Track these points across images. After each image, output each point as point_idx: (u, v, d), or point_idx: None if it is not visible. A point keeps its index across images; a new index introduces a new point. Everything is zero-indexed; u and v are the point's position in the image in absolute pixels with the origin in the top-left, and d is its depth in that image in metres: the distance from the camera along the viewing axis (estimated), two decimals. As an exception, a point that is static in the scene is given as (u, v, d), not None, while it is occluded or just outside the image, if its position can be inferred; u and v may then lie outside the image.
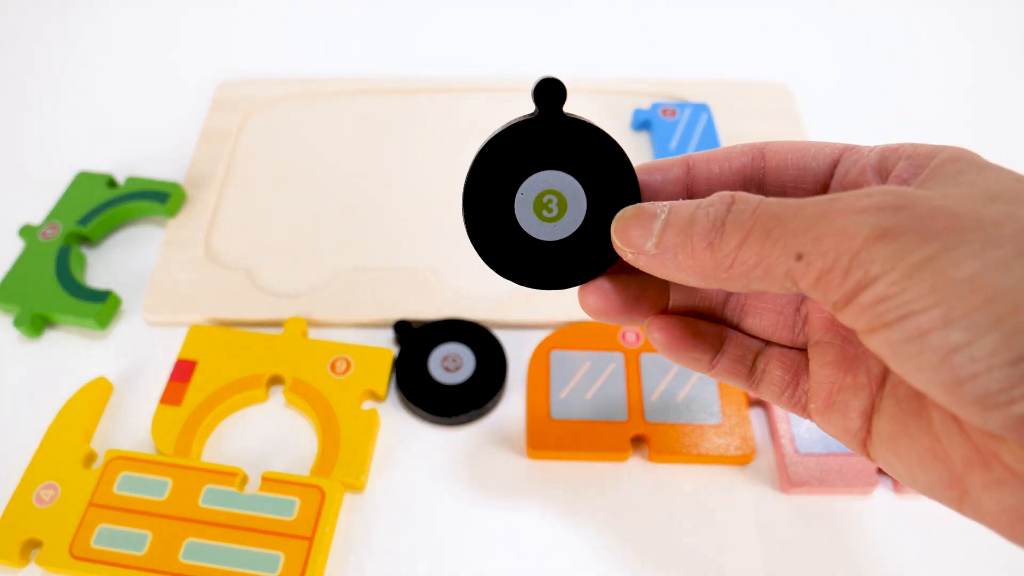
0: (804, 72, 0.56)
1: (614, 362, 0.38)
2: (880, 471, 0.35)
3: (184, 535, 0.32)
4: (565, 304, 0.41)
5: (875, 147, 0.20)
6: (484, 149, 0.23)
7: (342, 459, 0.35)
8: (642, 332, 0.39)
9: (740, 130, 0.50)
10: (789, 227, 0.17)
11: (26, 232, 0.44)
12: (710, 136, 0.49)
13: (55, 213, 0.44)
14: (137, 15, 0.60)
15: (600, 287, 0.22)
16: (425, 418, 0.37)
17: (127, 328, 0.41)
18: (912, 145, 0.19)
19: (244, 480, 0.34)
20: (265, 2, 0.61)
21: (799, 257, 0.16)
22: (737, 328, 0.24)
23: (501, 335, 0.40)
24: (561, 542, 0.34)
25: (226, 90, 0.53)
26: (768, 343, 0.23)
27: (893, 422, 0.19)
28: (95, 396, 0.37)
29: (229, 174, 0.48)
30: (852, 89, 0.56)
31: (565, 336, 0.39)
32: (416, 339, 0.39)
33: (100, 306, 0.40)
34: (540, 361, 0.38)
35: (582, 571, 0.33)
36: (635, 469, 0.36)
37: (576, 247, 0.22)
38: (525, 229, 0.22)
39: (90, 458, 0.35)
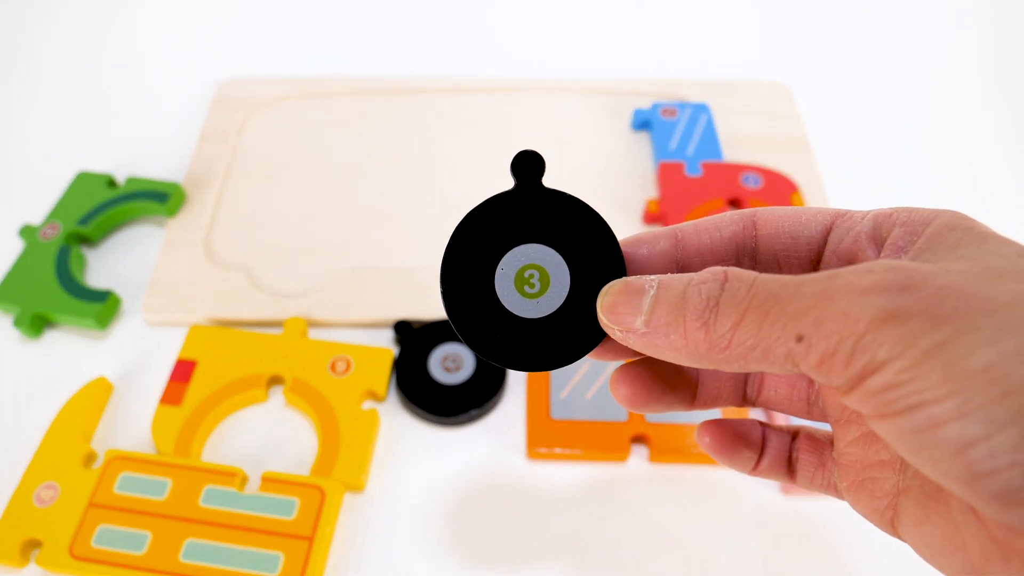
0: (804, 72, 0.56)
1: (614, 362, 0.38)
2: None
3: (184, 535, 0.32)
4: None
5: (868, 213, 0.19)
6: (462, 224, 0.22)
7: (342, 459, 0.35)
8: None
9: (740, 130, 0.50)
10: (788, 308, 0.16)
11: (26, 232, 0.44)
12: (710, 136, 0.49)
13: (55, 213, 0.44)
14: (137, 15, 0.60)
15: (631, 373, 0.22)
16: (425, 418, 0.37)
17: (127, 328, 0.41)
18: (906, 210, 0.19)
19: (244, 480, 0.34)
20: (265, 2, 0.61)
21: (799, 339, 0.16)
22: (755, 404, 0.23)
23: (501, 335, 0.40)
24: (561, 542, 0.34)
25: (226, 90, 0.53)
26: (795, 436, 0.23)
27: (917, 506, 0.18)
28: (95, 396, 0.37)
29: (229, 174, 0.48)
30: (852, 89, 0.56)
31: (565, 336, 0.39)
32: (416, 339, 0.39)
33: (100, 306, 0.40)
34: (540, 361, 0.38)
35: (581, 572, 0.33)
36: (635, 469, 0.36)
37: (561, 324, 0.21)
38: (506, 306, 0.21)
39: (90, 458, 0.35)
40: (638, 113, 0.50)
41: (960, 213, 0.18)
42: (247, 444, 0.37)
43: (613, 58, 0.57)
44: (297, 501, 0.33)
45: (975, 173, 0.50)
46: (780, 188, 0.45)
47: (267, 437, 0.37)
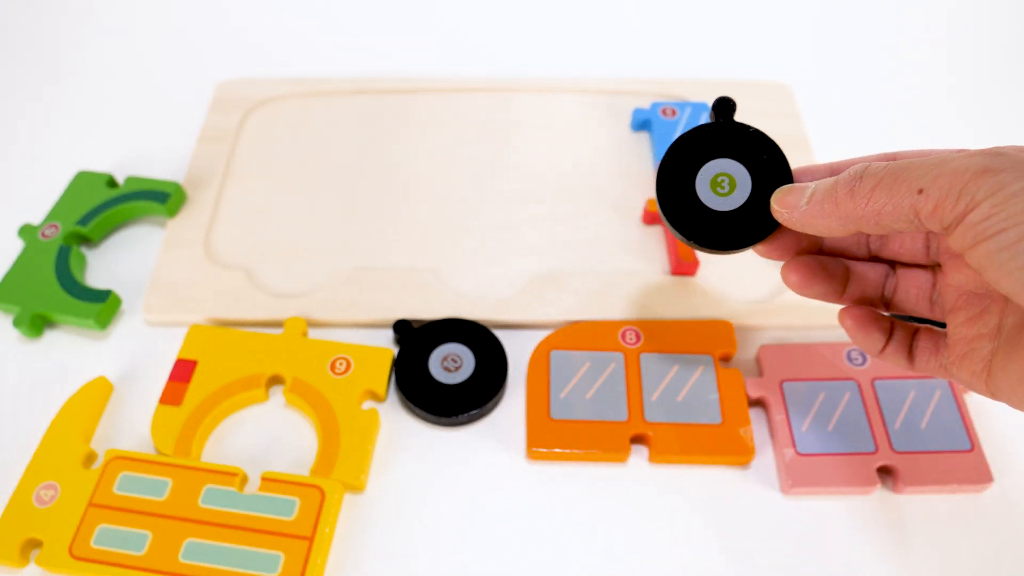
0: (805, 71, 0.56)
1: (614, 362, 0.38)
2: (880, 471, 0.35)
3: (184, 535, 0.32)
4: (565, 304, 0.41)
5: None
6: (675, 142, 0.29)
7: (342, 459, 0.35)
8: (642, 332, 0.39)
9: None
10: (913, 172, 0.22)
11: (26, 232, 0.44)
12: (710, 136, 0.48)
13: (54, 213, 0.44)
14: (137, 15, 0.60)
15: (798, 262, 0.29)
16: (425, 418, 0.37)
17: (127, 328, 0.41)
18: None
19: (244, 480, 0.34)
20: (265, 2, 0.61)
21: (920, 191, 0.22)
22: (889, 305, 0.30)
23: (501, 335, 0.40)
24: (560, 542, 0.34)
25: (226, 90, 0.53)
26: (915, 333, 0.29)
27: (1005, 357, 0.24)
28: (95, 396, 0.37)
29: (229, 174, 0.48)
30: (853, 88, 0.56)
31: (565, 336, 0.39)
32: (416, 339, 0.39)
33: (100, 306, 0.40)
34: (540, 361, 0.38)
35: (581, 572, 0.33)
36: (635, 470, 0.36)
37: (743, 216, 0.28)
38: (703, 201, 0.28)
39: (90, 458, 0.35)
40: (637, 112, 0.50)
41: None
42: (247, 444, 0.37)
43: (613, 58, 0.57)
44: (297, 501, 0.33)
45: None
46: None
47: (267, 437, 0.37)
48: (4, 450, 0.36)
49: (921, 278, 0.29)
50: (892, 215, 0.23)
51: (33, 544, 0.32)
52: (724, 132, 0.29)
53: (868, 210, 0.23)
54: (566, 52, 0.58)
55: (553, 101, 0.53)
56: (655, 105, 0.50)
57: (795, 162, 0.48)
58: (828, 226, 0.25)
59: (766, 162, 0.29)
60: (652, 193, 0.47)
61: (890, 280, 0.30)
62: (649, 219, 0.45)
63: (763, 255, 0.29)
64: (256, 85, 0.53)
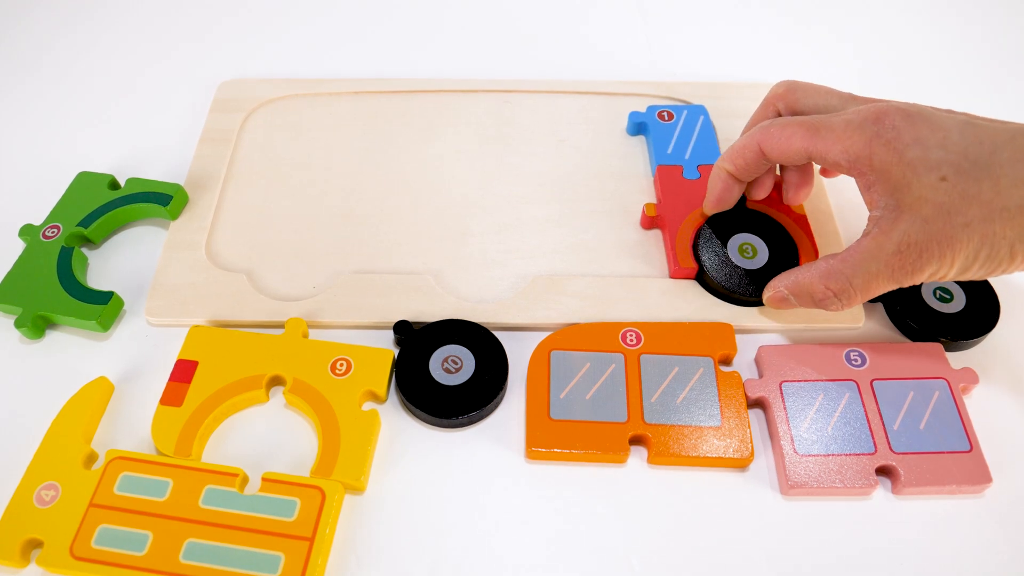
0: (802, 74, 0.56)
1: (614, 363, 0.38)
2: (879, 471, 0.35)
3: (185, 535, 0.32)
4: (565, 307, 0.41)
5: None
6: (705, 224, 0.42)
7: (342, 460, 0.35)
8: (643, 334, 0.39)
9: (739, 131, 0.50)
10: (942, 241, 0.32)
11: (27, 232, 0.44)
12: (708, 138, 0.49)
13: (56, 214, 0.44)
14: (137, 15, 0.60)
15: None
16: (425, 419, 0.37)
17: (129, 330, 0.41)
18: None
19: (245, 480, 0.34)
20: (265, 2, 0.61)
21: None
22: None
23: (501, 336, 0.40)
24: (559, 543, 0.34)
25: (227, 90, 0.53)
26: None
27: None
28: (96, 396, 0.37)
29: (230, 175, 0.48)
30: (852, 89, 0.56)
31: (565, 337, 0.39)
32: (416, 340, 0.39)
33: (102, 308, 0.40)
34: (540, 361, 0.38)
35: (580, 572, 0.33)
36: (634, 471, 0.36)
37: (763, 275, 0.41)
38: (734, 262, 0.41)
39: (91, 458, 0.35)
40: (634, 115, 0.50)
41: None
42: (248, 445, 0.37)
43: (608, 60, 0.57)
44: (298, 502, 0.33)
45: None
46: (779, 190, 0.45)
47: (267, 438, 0.37)
48: (4, 451, 0.36)
49: None
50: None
51: (34, 544, 0.32)
52: (747, 212, 0.43)
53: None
54: (562, 54, 0.58)
55: (554, 103, 0.53)
56: (651, 108, 0.50)
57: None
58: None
59: (776, 234, 0.42)
60: (651, 196, 0.47)
61: None
62: (648, 223, 0.45)
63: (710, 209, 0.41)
64: (257, 86, 0.53)
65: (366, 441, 0.35)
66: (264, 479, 0.34)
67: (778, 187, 0.44)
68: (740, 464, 0.36)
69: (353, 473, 0.34)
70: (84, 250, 0.44)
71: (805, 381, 0.38)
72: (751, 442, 0.36)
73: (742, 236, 0.42)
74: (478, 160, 0.49)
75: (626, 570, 0.33)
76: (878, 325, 0.42)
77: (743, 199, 0.43)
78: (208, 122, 0.51)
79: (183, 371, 0.37)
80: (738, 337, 0.40)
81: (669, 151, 0.48)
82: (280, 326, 0.40)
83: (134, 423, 0.37)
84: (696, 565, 0.33)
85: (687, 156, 0.47)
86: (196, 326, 0.39)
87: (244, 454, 0.36)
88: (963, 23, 0.60)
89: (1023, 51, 0.59)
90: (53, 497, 0.33)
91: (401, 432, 0.37)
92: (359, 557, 0.33)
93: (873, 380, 0.38)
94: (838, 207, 0.47)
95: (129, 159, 0.50)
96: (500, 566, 0.33)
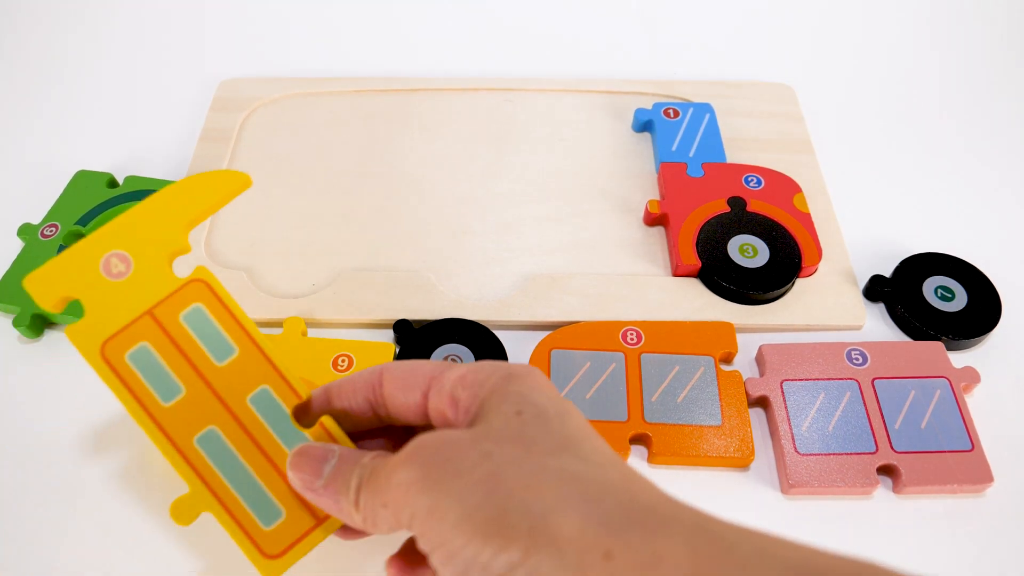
0: (808, 72, 0.56)
1: (615, 362, 0.38)
2: (880, 470, 0.35)
3: (212, 419, 0.27)
4: (566, 305, 0.41)
5: (452, 376, 0.25)
6: (708, 222, 0.43)
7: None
8: (643, 333, 0.39)
9: (743, 131, 0.50)
10: (376, 484, 0.23)
11: (25, 231, 0.43)
12: (713, 136, 0.48)
13: (54, 213, 0.44)
14: (137, 14, 0.60)
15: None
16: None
17: (127, 328, 0.41)
18: (475, 372, 0.24)
19: (305, 409, 0.28)
20: (265, 2, 0.61)
21: (384, 505, 0.23)
22: None
23: (501, 335, 0.40)
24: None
25: (226, 89, 0.53)
26: None
27: None
28: (225, 184, 0.29)
29: (229, 173, 0.48)
30: (855, 89, 0.56)
31: (566, 336, 0.39)
32: (417, 339, 0.39)
33: (100, 306, 0.40)
34: (540, 360, 0.38)
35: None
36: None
37: (764, 273, 0.41)
38: (735, 262, 0.41)
39: (178, 253, 0.28)
40: (640, 113, 0.50)
41: (509, 371, 0.24)
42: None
43: (615, 58, 0.57)
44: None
45: (978, 175, 0.50)
46: (782, 189, 0.45)
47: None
48: (4, 452, 0.36)
49: None
50: (383, 525, 0.23)
51: (74, 308, 0.28)
52: (749, 215, 0.43)
53: (365, 521, 0.24)
54: (567, 52, 0.58)
55: (555, 101, 0.53)
56: (657, 106, 0.50)
57: (797, 164, 0.48)
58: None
59: (777, 234, 0.43)
60: (652, 195, 0.47)
61: None
62: (650, 220, 0.45)
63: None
64: (257, 85, 0.53)
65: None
66: (322, 423, 0.28)
67: (777, 190, 0.44)
68: (741, 463, 0.36)
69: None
70: (83, 248, 0.44)
71: (806, 380, 0.38)
72: (752, 441, 0.36)
73: (745, 237, 0.42)
74: (479, 158, 0.49)
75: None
76: (879, 324, 0.42)
77: (744, 202, 0.43)
78: (208, 121, 0.51)
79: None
80: (739, 336, 0.40)
81: (673, 148, 0.48)
82: (279, 323, 0.40)
83: (132, 422, 0.37)
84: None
85: (691, 154, 0.47)
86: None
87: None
88: (963, 23, 0.60)
89: (1023, 51, 0.59)
90: (121, 273, 0.27)
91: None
92: (364, 549, 0.33)
93: (874, 379, 0.38)
94: (839, 207, 0.47)
95: (129, 158, 0.50)
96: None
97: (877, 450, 0.35)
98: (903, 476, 0.35)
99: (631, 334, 0.39)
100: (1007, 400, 0.38)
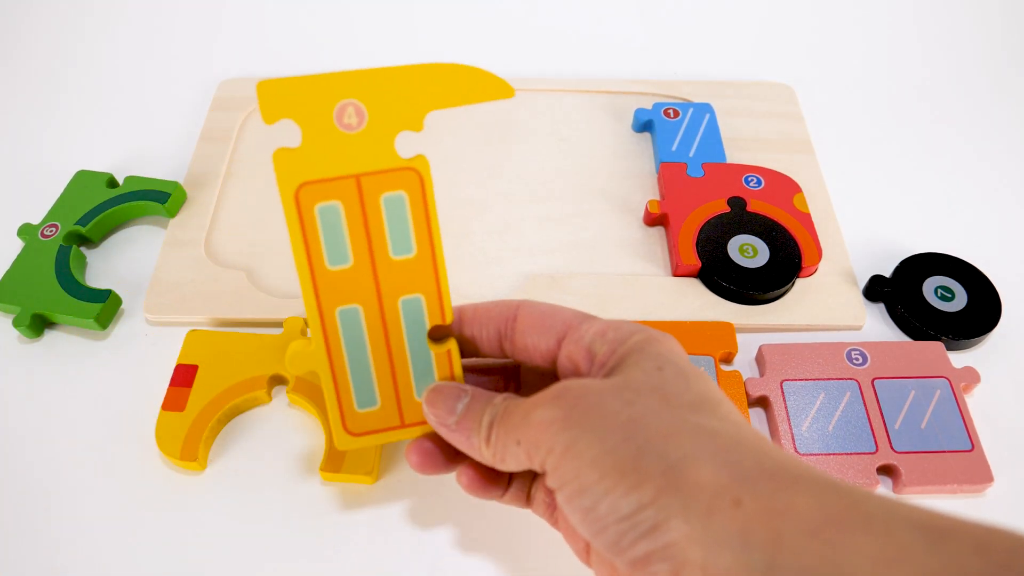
0: (808, 72, 0.56)
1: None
2: (880, 470, 0.35)
3: (360, 300, 0.27)
4: (566, 303, 0.41)
5: (592, 328, 0.26)
6: (708, 223, 0.43)
7: (351, 455, 0.35)
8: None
9: (743, 131, 0.50)
10: (512, 421, 0.24)
11: (25, 231, 0.43)
12: (713, 136, 0.49)
13: (54, 213, 0.44)
14: (137, 14, 0.60)
15: (422, 447, 0.28)
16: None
17: (128, 329, 0.41)
18: (615, 328, 0.25)
19: (443, 329, 0.28)
20: (265, 2, 0.61)
21: (518, 443, 0.24)
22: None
23: (502, 335, 0.40)
24: (560, 542, 0.34)
25: (227, 89, 0.53)
26: (535, 477, 0.29)
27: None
28: (485, 85, 0.28)
29: (230, 174, 0.48)
30: (855, 89, 0.56)
31: (566, 336, 0.39)
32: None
33: (100, 306, 0.40)
34: (541, 361, 0.38)
35: (580, 572, 0.33)
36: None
37: (763, 272, 0.41)
38: (735, 262, 0.41)
39: (409, 129, 0.27)
40: (640, 113, 0.50)
41: (649, 334, 0.25)
42: (252, 446, 0.37)
43: (615, 58, 0.57)
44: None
45: (978, 175, 0.50)
46: (782, 189, 0.45)
47: (272, 438, 0.37)
48: (4, 452, 0.36)
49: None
50: (511, 462, 0.24)
51: (294, 153, 0.27)
52: (749, 216, 0.43)
53: (494, 457, 0.25)
54: (568, 52, 0.58)
55: (555, 101, 0.53)
56: (657, 105, 0.50)
57: (797, 164, 0.48)
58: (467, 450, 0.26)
59: (776, 236, 0.42)
60: (652, 195, 0.47)
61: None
62: (650, 220, 0.45)
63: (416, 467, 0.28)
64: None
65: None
66: (449, 351, 0.28)
67: (775, 192, 0.44)
68: (742, 463, 0.36)
69: (362, 467, 0.34)
70: (83, 249, 0.44)
71: (806, 380, 0.38)
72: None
73: (745, 237, 0.42)
74: (478, 158, 0.49)
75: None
76: (879, 324, 0.42)
77: (744, 202, 0.44)
78: (208, 121, 0.51)
79: (183, 375, 0.37)
80: (739, 336, 0.40)
81: (674, 148, 0.48)
82: (279, 323, 0.40)
83: (133, 421, 0.37)
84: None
85: (691, 154, 0.47)
86: (193, 330, 0.39)
87: (250, 455, 0.36)
88: (964, 23, 0.60)
89: (1023, 51, 0.59)
90: (350, 125, 0.26)
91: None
92: (371, 548, 0.33)
93: (874, 379, 0.38)
94: (839, 207, 0.47)
95: (129, 159, 0.50)
96: (507, 555, 0.33)
97: (877, 450, 0.35)
98: (903, 476, 0.35)
99: (631, 334, 0.39)
100: (1007, 400, 0.39)
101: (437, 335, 0.28)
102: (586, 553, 0.27)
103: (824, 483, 0.20)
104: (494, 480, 0.28)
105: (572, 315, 0.27)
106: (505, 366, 0.31)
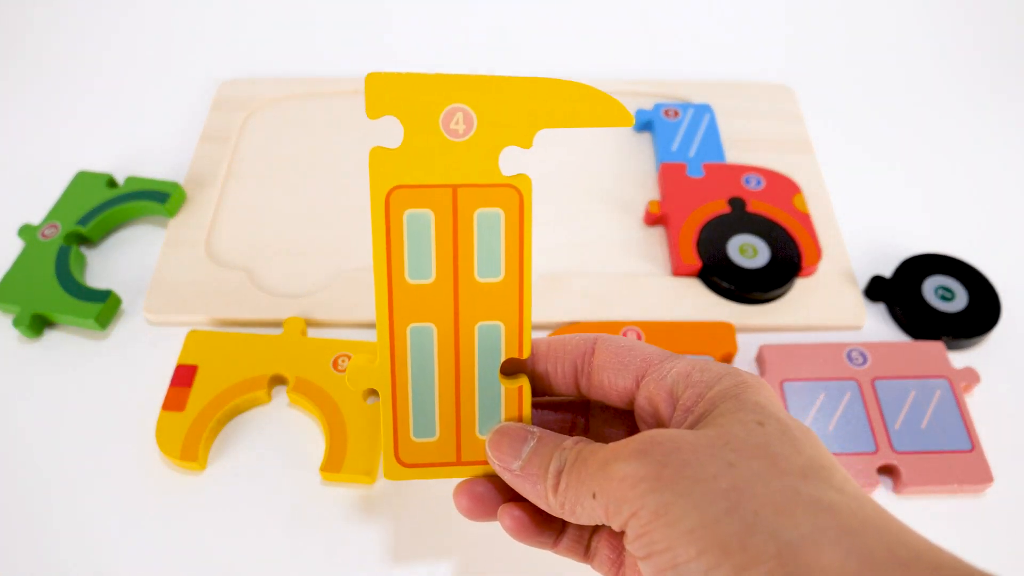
0: (807, 73, 0.56)
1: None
2: (880, 470, 0.35)
3: (435, 319, 0.25)
4: (566, 305, 0.41)
5: (673, 367, 0.23)
6: (708, 223, 0.43)
7: (351, 455, 0.35)
8: (643, 333, 0.39)
9: (743, 131, 0.50)
10: (588, 471, 0.21)
11: (25, 232, 0.43)
12: (713, 137, 0.49)
13: (54, 213, 0.44)
14: (138, 14, 0.60)
15: (473, 491, 0.26)
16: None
17: (128, 329, 0.41)
18: (701, 370, 0.23)
19: (518, 363, 0.26)
20: (265, 2, 0.61)
21: (594, 496, 0.21)
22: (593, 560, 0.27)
23: (503, 335, 0.40)
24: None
25: (227, 90, 0.53)
26: (596, 528, 0.26)
27: None
28: (604, 110, 0.26)
29: (230, 174, 0.48)
30: (855, 90, 0.56)
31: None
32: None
33: (100, 306, 0.40)
34: (542, 361, 0.38)
35: (581, 571, 0.33)
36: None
37: (763, 272, 0.41)
38: (735, 262, 0.41)
39: (516, 145, 0.26)
40: (640, 113, 0.50)
41: (742, 378, 0.22)
42: (253, 446, 0.37)
43: (615, 58, 0.57)
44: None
45: (978, 175, 0.50)
46: (782, 190, 0.45)
47: (273, 438, 0.37)
48: (4, 452, 0.36)
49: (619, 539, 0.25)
50: (583, 515, 0.22)
51: (396, 154, 0.26)
52: (749, 216, 0.43)
53: (563, 508, 0.22)
54: (567, 52, 0.58)
55: (554, 101, 0.52)
56: (658, 106, 0.50)
57: (797, 164, 0.48)
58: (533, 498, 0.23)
59: (775, 236, 0.43)
60: (654, 194, 0.47)
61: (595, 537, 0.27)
62: (650, 220, 0.45)
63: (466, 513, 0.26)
64: (258, 85, 0.53)
65: (373, 435, 0.35)
66: (520, 388, 0.26)
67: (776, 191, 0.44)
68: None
69: (363, 467, 0.34)
70: (83, 249, 0.44)
71: (806, 380, 0.38)
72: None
73: (746, 237, 0.42)
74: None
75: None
76: (879, 324, 0.42)
77: (744, 202, 0.44)
78: (208, 121, 0.51)
79: (183, 376, 0.37)
80: (739, 336, 0.40)
81: (673, 148, 0.48)
82: (280, 323, 0.40)
83: (133, 421, 0.37)
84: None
85: (691, 154, 0.47)
86: (193, 331, 0.39)
87: (251, 456, 0.36)
88: (964, 23, 0.60)
89: (1023, 51, 0.59)
90: (456, 132, 0.25)
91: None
92: (373, 548, 0.33)
93: (874, 379, 0.38)
94: (839, 207, 0.47)
95: (129, 159, 0.50)
96: (508, 555, 0.33)
97: (877, 450, 0.35)
98: (903, 476, 0.35)
99: (631, 334, 0.39)
100: (1007, 400, 0.39)
101: (509, 369, 0.26)
102: None
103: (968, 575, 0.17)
104: (545, 524, 0.25)
105: (653, 352, 0.24)
106: (573, 401, 0.28)
